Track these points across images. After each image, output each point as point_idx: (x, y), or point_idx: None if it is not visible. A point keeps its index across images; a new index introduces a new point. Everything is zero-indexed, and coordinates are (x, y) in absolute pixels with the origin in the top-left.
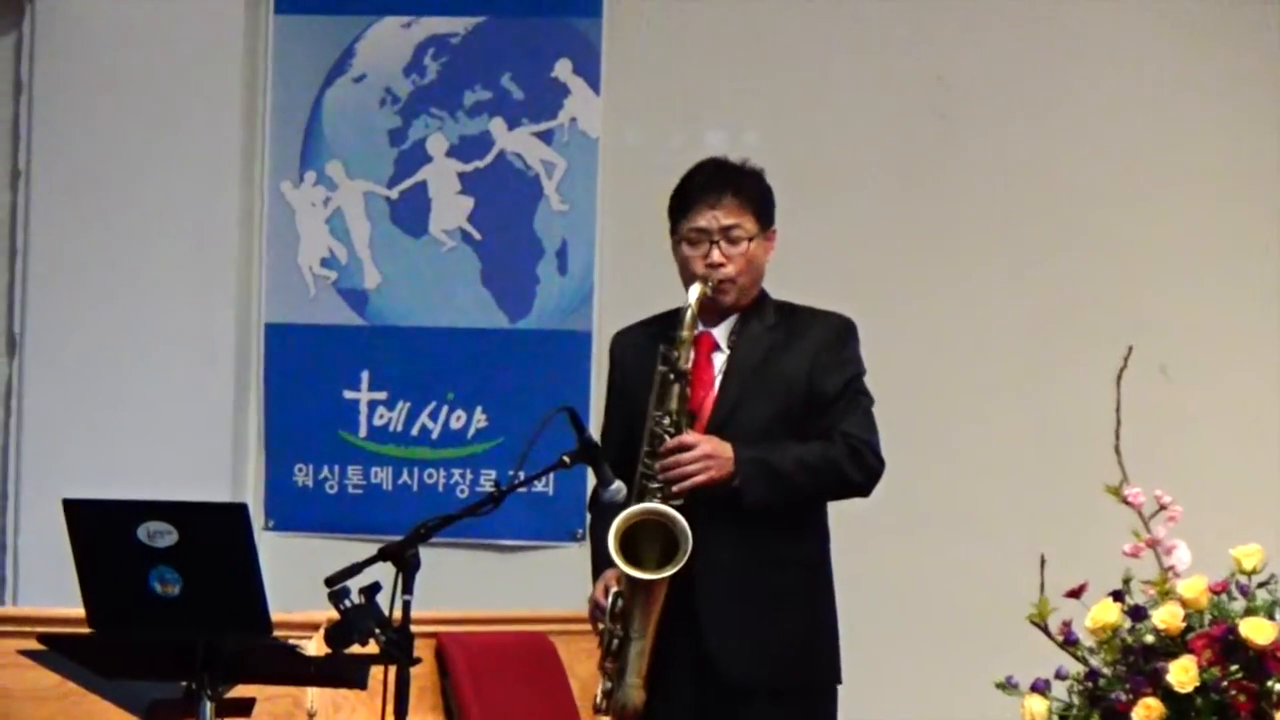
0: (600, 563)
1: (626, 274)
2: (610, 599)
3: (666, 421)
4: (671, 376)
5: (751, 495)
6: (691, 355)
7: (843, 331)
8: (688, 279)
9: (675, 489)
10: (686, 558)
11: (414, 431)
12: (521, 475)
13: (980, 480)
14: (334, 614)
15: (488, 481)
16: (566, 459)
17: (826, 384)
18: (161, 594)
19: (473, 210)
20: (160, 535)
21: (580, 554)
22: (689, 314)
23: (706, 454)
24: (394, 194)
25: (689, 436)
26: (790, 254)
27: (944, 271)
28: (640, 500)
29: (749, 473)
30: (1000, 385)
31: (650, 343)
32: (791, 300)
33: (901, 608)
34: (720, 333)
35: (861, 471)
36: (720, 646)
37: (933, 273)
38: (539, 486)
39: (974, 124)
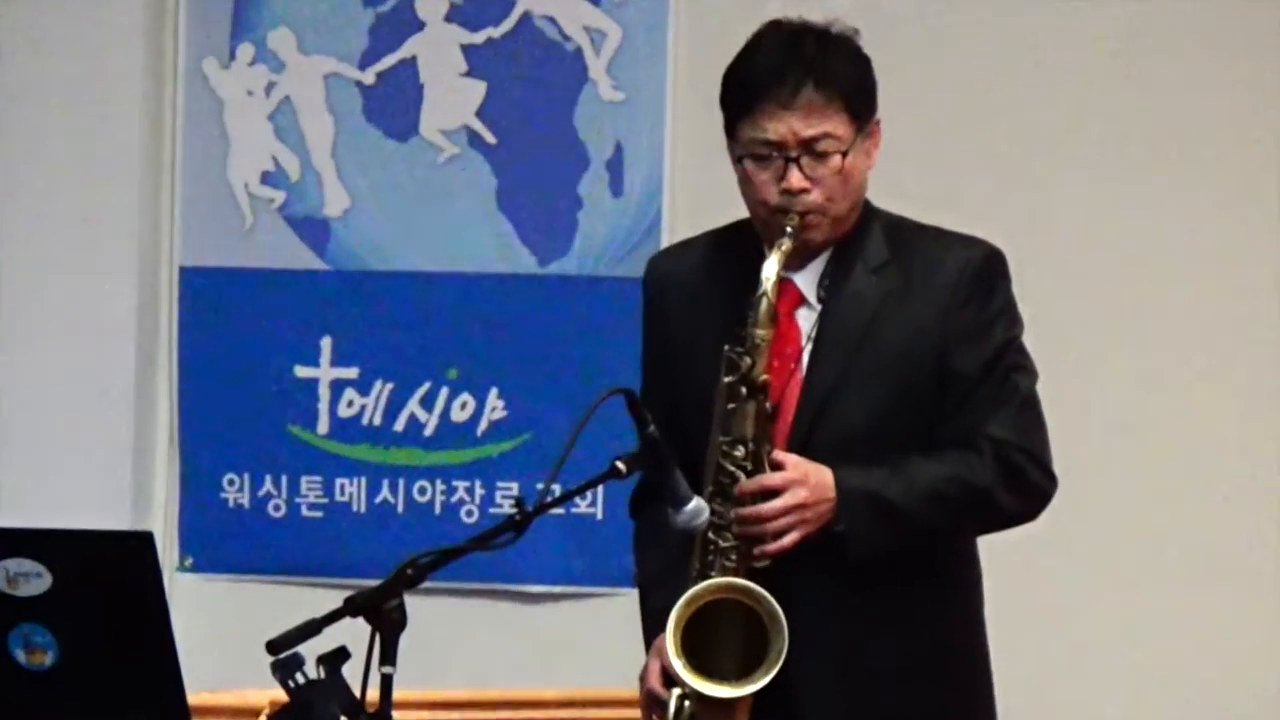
0: (653, 621)
1: (706, 193)
2: (675, 702)
3: (739, 453)
4: (744, 390)
5: (862, 546)
6: (768, 359)
7: (985, 270)
8: (756, 209)
9: (757, 552)
10: (781, 661)
11: (398, 425)
12: (556, 489)
13: (1181, 497)
14: (281, 694)
15: (506, 499)
16: (622, 465)
17: (964, 358)
18: (27, 664)
19: (484, 101)
20: (25, 579)
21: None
22: (765, 302)
23: (800, 503)
24: (369, 77)
25: (774, 476)
26: (922, 154)
27: (1116, 197)
28: (704, 561)
29: (858, 515)
30: (1212, 361)
31: (704, 280)
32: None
33: (1075, 673)
34: (807, 280)
35: (1021, 497)
36: None
37: (1101, 198)
38: (581, 506)
39: None
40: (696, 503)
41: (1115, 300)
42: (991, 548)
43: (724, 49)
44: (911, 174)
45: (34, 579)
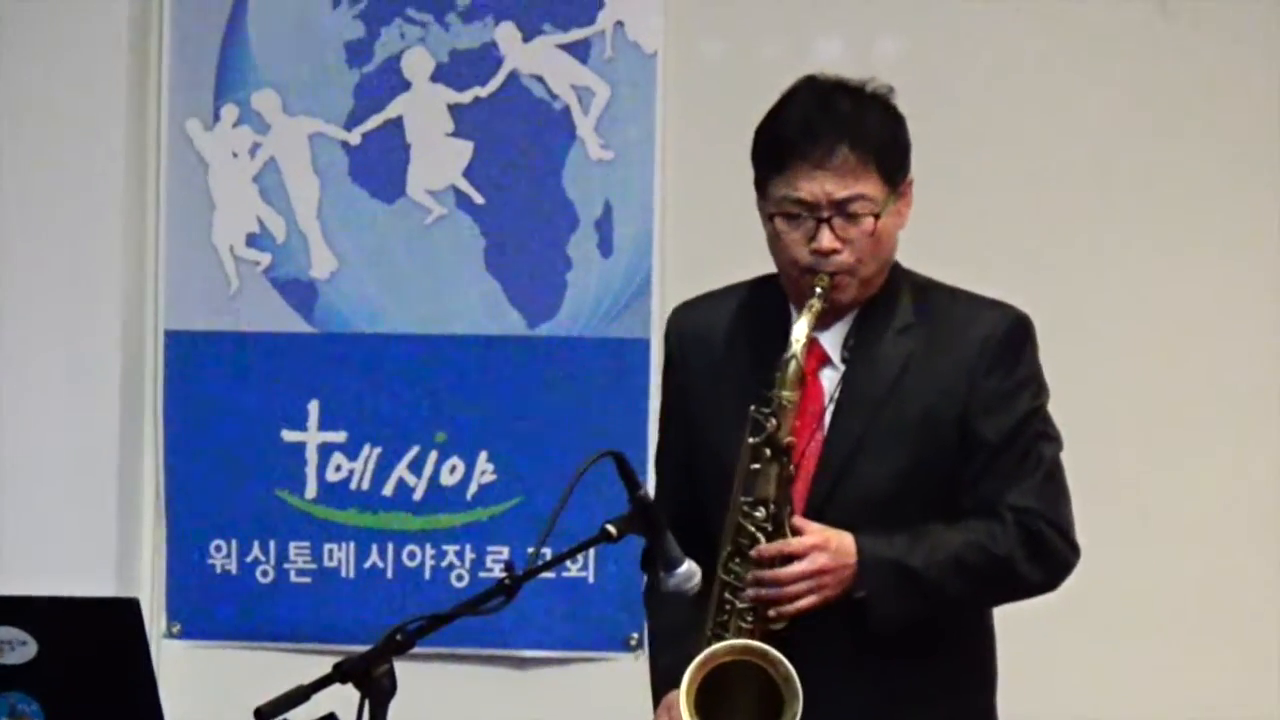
0: (661, 683)
1: (697, 252)
2: None
3: (760, 514)
4: (768, 452)
5: (883, 613)
6: (793, 421)
7: (1012, 338)
8: (786, 267)
9: (773, 614)
10: None
11: (387, 490)
12: (547, 553)
13: (1203, 571)
14: None
15: (497, 563)
16: (612, 529)
17: (988, 425)
18: None
19: (471, 161)
20: (10, 647)
21: (637, 669)
22: (794, 364)
23: (820, 569)
24: (354, 137)
25: (794, 542)
26: (931, 218)
27: (1148, 264)
28: (718, 621)
29: (880, 582)
30: (1238, 429)
31: (728, 336)
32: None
33: None
34: (832, 340)
35: (1044, 567)
36: None
37: (1132, 264)
38: (573, 570)
39: (1210, 30)
40: (688, 566)
41: (1143, 367)
42: (1003, 618)
43: (713, 106)
44: (938, 235)
45: (19, 647)
